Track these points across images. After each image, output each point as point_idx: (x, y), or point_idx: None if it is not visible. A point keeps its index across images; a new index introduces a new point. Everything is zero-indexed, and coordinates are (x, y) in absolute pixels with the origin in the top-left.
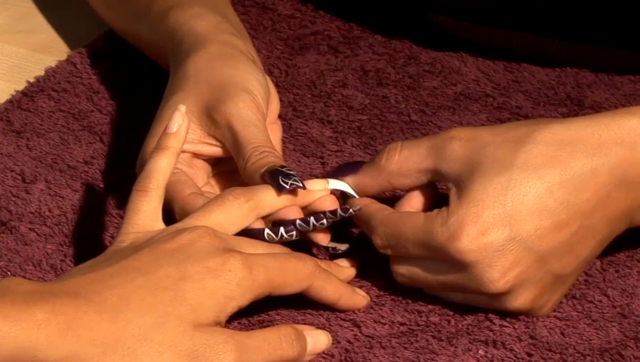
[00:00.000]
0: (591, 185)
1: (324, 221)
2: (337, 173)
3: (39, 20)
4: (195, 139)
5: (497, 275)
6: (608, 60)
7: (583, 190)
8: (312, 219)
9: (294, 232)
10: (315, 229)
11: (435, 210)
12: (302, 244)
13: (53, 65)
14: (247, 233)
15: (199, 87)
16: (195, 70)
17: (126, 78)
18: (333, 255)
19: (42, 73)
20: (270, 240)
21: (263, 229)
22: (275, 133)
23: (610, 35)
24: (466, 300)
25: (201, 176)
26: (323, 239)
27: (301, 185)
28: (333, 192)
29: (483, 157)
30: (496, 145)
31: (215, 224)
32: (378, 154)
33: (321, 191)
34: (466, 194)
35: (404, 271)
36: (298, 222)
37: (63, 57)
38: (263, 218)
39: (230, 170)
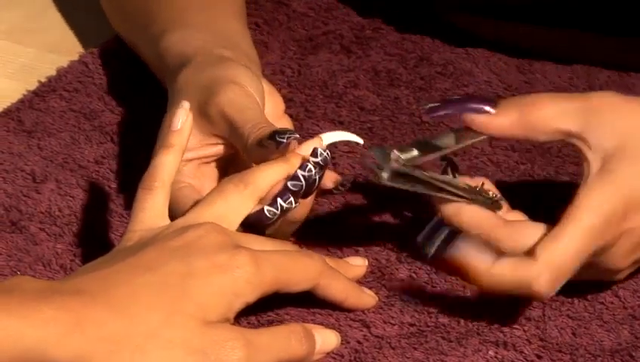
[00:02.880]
0: None
1: (311, 167)
2: (451, 106)
3: (51, 20)
4: (196, 145)
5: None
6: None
7: None
8: (298, 171)
9: (291, 198)
10: (308, 182)
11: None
12: (308, 243)
13: (65, 66)
14: (247, 219)
15: (190, 93)
16: (183, 82)
17: (137, 78)
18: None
19: (54, 73)
20: (272, 217)
21: (262, 208)
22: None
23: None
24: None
25: (209, 186)
26: (328, 182)
27: (297, 135)
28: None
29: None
30: None
31: (219, 215)
32: (521, 101)
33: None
34: (614, 177)
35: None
36: (289, 182)
37: (75, 57)
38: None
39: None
